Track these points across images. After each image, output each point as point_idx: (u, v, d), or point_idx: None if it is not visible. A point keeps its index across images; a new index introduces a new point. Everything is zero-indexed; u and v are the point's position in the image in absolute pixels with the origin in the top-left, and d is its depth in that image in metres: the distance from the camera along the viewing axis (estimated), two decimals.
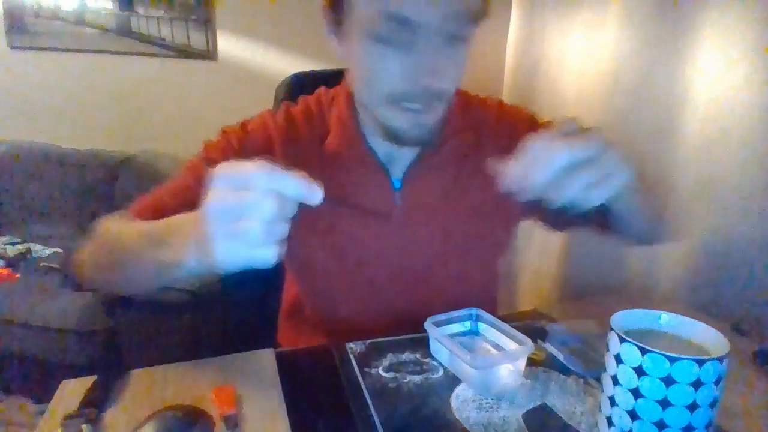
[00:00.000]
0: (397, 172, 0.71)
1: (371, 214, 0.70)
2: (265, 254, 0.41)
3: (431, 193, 0.71)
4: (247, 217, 0.40)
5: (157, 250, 0.51)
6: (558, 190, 0.47)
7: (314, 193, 0.42)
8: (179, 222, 0.50)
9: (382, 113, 0.60)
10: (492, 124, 0.75)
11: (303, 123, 0.70)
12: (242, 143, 0.69)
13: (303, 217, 0.69)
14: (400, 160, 0.70)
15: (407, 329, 0.69)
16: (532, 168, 0.46)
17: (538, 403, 0.57)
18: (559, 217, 0.76)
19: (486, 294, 0.83)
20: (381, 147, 0.69)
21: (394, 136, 0.62)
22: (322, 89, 0.75)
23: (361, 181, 0.70)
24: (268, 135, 0.70)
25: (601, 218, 0.71)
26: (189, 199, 0.59)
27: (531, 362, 0.65)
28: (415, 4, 0.52)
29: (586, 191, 0.47)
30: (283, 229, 0.42)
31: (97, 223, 0.62)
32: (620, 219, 0.67)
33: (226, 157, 0.63)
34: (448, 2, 0.53)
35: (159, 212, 0.60)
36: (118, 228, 0.60)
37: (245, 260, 0.41)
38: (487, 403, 0.57)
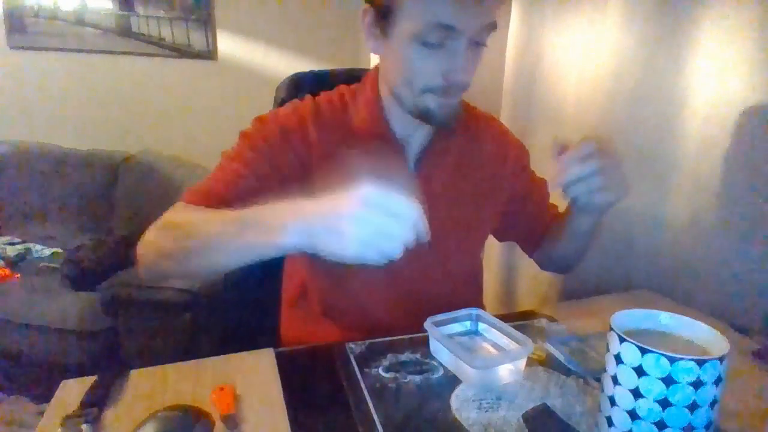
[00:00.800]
0: (411, 157, 0.78)
1: None
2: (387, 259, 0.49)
3: (438, 177, 0.79)
4: (388, 232, 0.49)
5: (248, 233, 0.56)
6: (579, 186, 0.65)
7: (426, 233, 0.52)
8: (278, 208, 0.56)
9: (419, 101, 0.70)
10: (488, 129, 0.86)
11: (327, 109, 0.78)
12: (279, 125, 0.75)
13: (328, 191, 0.73)
14: (414, 146, 0.78)
15: (408, 309, 0.77)
16: (569, 166, 0.65)
17: (538, 403, 0.57)
18: (504, 228, 0.91)
19: (473, 280, 0.91)
20: (400, 132, 0.77)
21: (427, 117, 0.72)
22: (342, 87, 0.82)
23: (382, 161, 0.76)
24: (301, 115, 0.76)
25: (533, 239, 0.92)
26: (245, 186, 0.70)
27: (531, 362, 0.65)
28: (461, 15, 0.62)
29: (596, 192, 0.65)
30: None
31: (162, 216, 0.65)
32: (572, 237, 0.81)
33: (268, 140, 0.73)
34: (483, 15, 0.64)
35: (217, 201, 0.67)
36: (192, 217, 0.64)
37: (368, 260, 0.49)
38: (487, 403, 0.57)
